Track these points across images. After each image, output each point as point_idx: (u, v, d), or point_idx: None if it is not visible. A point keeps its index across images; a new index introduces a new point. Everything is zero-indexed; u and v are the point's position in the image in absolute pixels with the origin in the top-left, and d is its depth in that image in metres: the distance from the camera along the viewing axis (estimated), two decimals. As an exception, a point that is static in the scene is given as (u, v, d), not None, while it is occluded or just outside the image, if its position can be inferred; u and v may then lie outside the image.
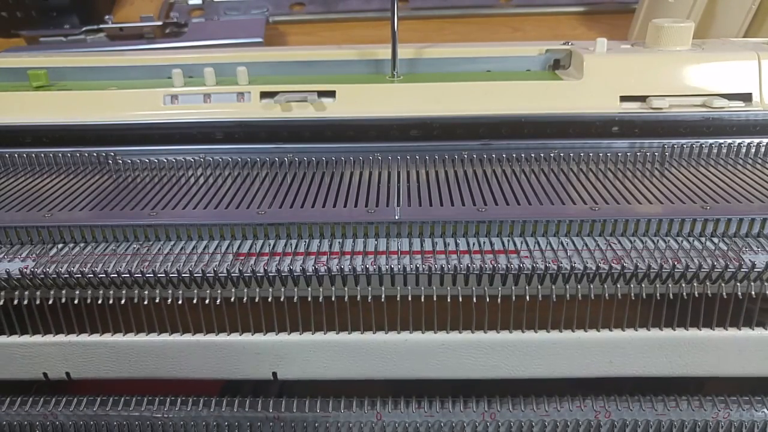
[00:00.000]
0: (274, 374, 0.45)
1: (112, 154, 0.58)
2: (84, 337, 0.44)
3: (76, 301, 0.43)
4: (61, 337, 0.44)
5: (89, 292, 0.43)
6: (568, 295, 0.41)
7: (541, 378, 0.44)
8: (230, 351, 0.44)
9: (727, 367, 0.43)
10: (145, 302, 0.43)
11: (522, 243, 0.44)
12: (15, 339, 0.44)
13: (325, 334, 0.43)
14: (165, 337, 0.44)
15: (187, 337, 0.44)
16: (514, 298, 0.42)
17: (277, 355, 0.44)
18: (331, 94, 0.59)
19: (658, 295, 0.42)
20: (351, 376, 0.45)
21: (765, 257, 0.41)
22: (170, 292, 0.43)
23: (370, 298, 0.42)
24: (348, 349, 0.44)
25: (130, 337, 0.44)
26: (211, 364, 0.44)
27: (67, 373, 0.45)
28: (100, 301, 0.43)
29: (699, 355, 0.43)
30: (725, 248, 0.42)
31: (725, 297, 0.41)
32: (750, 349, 0.43)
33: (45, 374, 0.45)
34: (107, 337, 0.44)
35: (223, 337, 0.44)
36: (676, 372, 0.43)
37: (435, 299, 0.42)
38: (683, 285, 0.41)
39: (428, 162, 0.55)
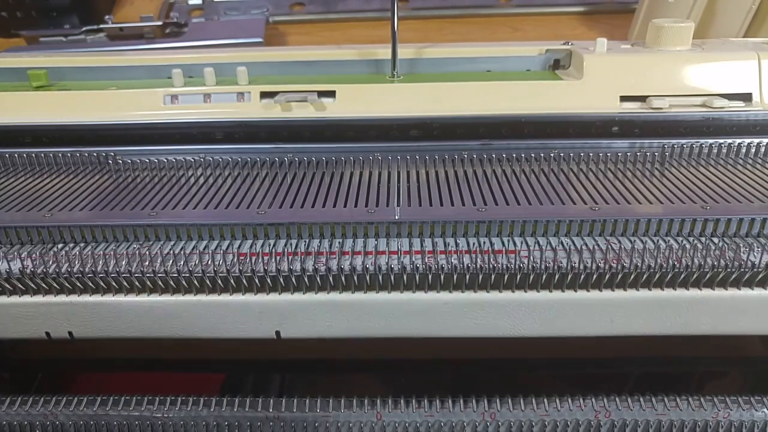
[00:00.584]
0: (278, 333, 0.44)
1: (112, 154, 0.58)
2: (86, 298, 0.44)
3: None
4: (63, 297, 0.44)
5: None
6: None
7: (542, 336, 0.44)
8: (233, 310, 0.44)
9: (725, 326, 0.43)
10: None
11: (522, 243, 0.44)
12: (17, 299, 0.44)
13: (328, 293, 0.43)
14: (167, 297, 0.43)
15: (190, 297, 0.43)
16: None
17: (281, 315, 0.44)
18: (331, 94, 0.59)
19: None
20: (354, 335, 0.44)
21: (765, 257, 0.41)
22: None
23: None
24: (351, 308, 0.43)
25: (132, 297, 0.44)
26: (215, 323, 0.44)
27: (70, 332, 0.45)
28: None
29: (698, 313, 0.42)
30: (725, 248, 0.42)
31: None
32: (749, 308, 0.42)
33: (48, 333, 0.45)
34: (109, 298, 0.44)
35: (225, 297, 0.43)
36: (675, 330, 0.43)
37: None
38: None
39: (428, 162, 0.55)
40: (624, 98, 0.58)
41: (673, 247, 0.42)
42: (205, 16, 1.13)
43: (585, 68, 0.59)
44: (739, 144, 0.55)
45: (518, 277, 0.42)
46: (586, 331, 0.43)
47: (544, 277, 0.42)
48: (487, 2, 1.11)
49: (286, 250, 0.44)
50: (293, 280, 0.42)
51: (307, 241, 0.45)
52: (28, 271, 0.42)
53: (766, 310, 0.42)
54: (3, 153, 0.58)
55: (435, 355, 0.67)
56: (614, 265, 0.41)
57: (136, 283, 0.43)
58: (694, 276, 0.41)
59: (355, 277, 0.42)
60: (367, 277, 0.42)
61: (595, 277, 0.41)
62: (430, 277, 0.42)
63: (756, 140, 0.56)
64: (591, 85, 0.58)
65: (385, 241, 0.44)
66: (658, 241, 0.43)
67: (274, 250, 0.44)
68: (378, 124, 0.58)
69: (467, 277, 0.41)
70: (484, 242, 0.44)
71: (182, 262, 0.42)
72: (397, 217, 0.45)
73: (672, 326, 0.43)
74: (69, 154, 0.58)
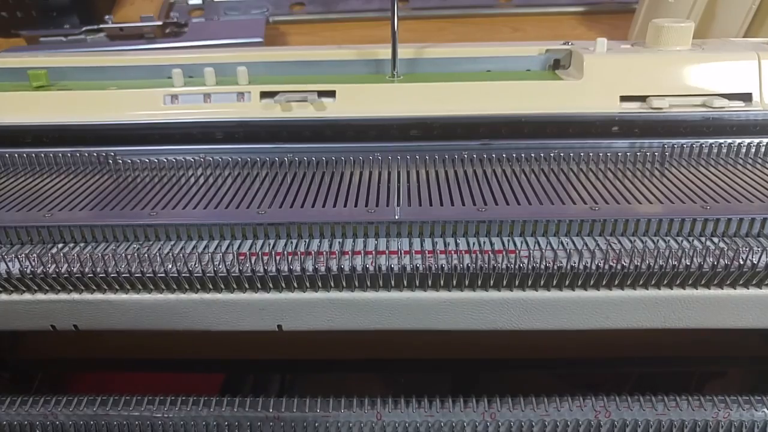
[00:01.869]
0: (279, 327, 0.44)
1: (112, 154, 0.58)
2: (89, 296, 0.44)
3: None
4: (65, 295, 0.44)
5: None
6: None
7: (539, 330, 0.44)
8: (236, 306, 0.44)
9: (719, 321, 0.43)
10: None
11: (522, 243, 0.44)
12: (19, 296, 0.44)
13: (328, 291, 0.43)
14: (169, 294, 0.43)
15: (192, 295, 0.43)
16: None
17: (282, 311, 0.44)
18: (331, 94, 0.59)
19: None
20: (354, 327, 0.44)
21: (765, 257, 0.41)
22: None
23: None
24: (352, 305, 0.44)
25: (134, 295, 0.44)
26: (217, 317, 0.44)
27: (75, 326, 0.45)
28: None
29: (693, 311, 0.43)
30: (725, 248, 0.42)
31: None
32: (743, 305, 0.42)
33: (53, 326, 0.45)
34: (112, 295, 0.44)
35: (227, 295, 0.43)
36: (669, 325, 0.43)
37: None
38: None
39: (428, 162, 0.55)
40: (624, 98, 0.58)
41: (672, 247, 0.42)
42: (205, 16, 1.13)
43: (585, 68, 0.59)
44: (739, 144, 0.55)
45: (518, 277, 0.42)
46: (582, 326, 0.44)
47: (544, 277, 0.42)
48: (487, 2, 1.11)
49: (286, 250, 0.44)
50: (293, 280, 0.42)
51: (307, 241, 0.45)
52: (28, 271, 0.42)
53: (759, 306, 0.42)
54: (3, 153, 0.58)
55: (435, 355, 0.67)
56: (614, 265, 0.41)
57: (137, 284, 0.43)
58: (694, 276, 0.41)
59: (355, 277, 0.42)
60: (367, 277, 0.42)
61: (594, 277, 0.41)
62: (430, 277, 0.42)
63: (756, 140, 0.56)
64: (591, 85, 0.58)
65: (385, 241, 0.44)
66: (658, 241, 0.43)
67: (274, 250, 0.44)
68: (378, 124, 0.58)
69: (467, 277, 0.41)
70: (484, 242, 0.44)
71: (182, 263, 0.42)
72: (397, 217, 0.45)
73: (666, 322, 0.43)
74: (69, 154, 0.58)
